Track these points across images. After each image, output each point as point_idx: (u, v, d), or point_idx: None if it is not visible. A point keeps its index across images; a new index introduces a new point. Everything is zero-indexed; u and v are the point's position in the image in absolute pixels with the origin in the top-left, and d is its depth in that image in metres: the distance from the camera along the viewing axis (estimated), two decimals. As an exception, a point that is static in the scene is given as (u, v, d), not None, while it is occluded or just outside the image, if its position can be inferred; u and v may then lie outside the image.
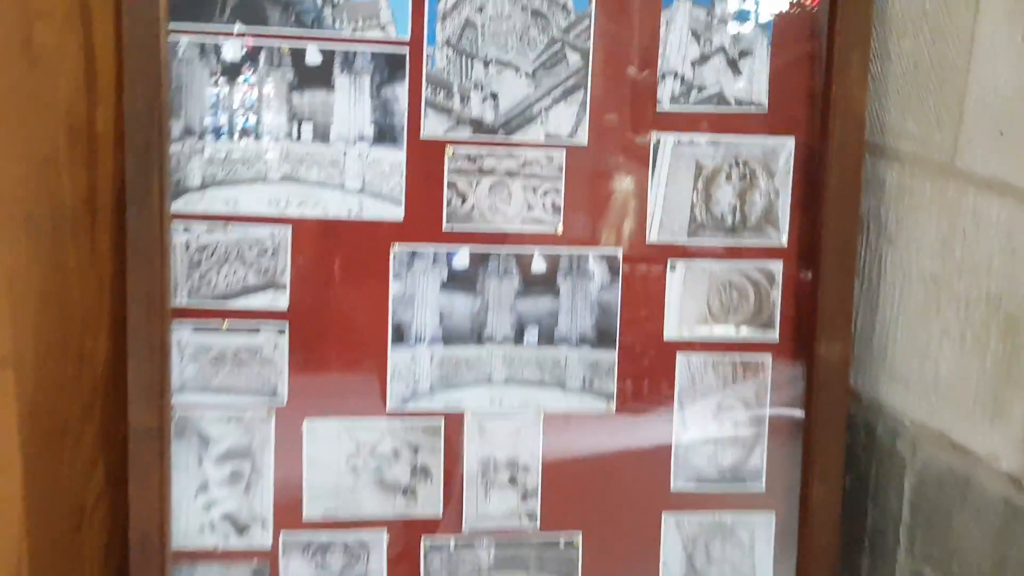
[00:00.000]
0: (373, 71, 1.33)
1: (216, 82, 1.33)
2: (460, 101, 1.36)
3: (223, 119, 1.34)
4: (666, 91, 1.39)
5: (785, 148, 1.39)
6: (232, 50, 1.34)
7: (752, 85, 1.39)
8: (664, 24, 1.37)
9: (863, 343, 1.43)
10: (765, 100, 1.38)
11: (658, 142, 1.39)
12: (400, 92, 1.33)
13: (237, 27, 1.33)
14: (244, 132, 1.34)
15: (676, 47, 1.38)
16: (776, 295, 1.43)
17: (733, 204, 1.39)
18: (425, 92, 1.33)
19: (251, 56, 1.34)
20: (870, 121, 1.39)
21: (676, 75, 1.38)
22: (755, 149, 1.38)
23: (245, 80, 1.34)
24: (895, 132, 1.38)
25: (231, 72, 1.34)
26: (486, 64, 1.36)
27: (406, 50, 1.32)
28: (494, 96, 1.37)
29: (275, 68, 1.34)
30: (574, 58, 1.37)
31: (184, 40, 1.32)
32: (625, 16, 1.37)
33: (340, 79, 1.34)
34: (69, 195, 1.33)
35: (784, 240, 1.40)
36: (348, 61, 1.34)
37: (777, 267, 1.40)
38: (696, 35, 1.38)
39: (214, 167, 1.33)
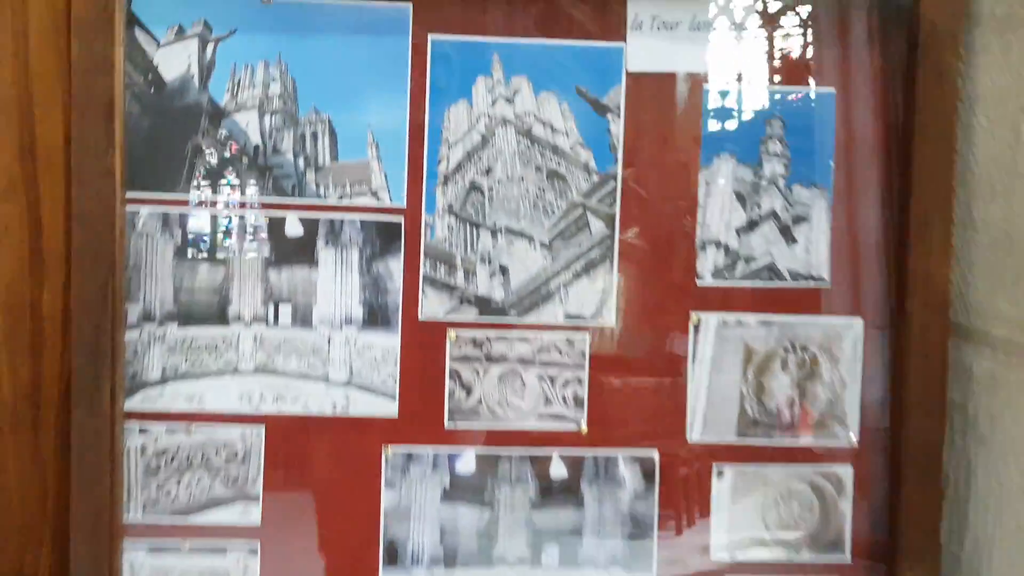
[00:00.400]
0: (363, 243, 1.17)
1: (180, 259, 1.17)
2: (464, 277, 1.18)
3: (187, 302, 1.17)
4: (707, 263, 1.20)
5: (851, 330, 1.20)
6: (199, 221, 1.17)
7: (810, 256, 1.20)
8: (703, 185, 1.19)
9: (951, 563, 1.20)
10: (826, 273, 1.20)
11: (699, 323, 1.19)
12: (394, 267, 1.17)
13: (206, 195, 1.16)
14: (212, 316, 1.17)
15: (718, 212, 1.19)
16: (845, 507, 1.21)
17: (791, 396, 1.21)
18: (423, 267, 1.17)
19: (222, 228, 1.16)
20: (953, 300, 1.18)
21: (719, 244, 1.19)
22: (815, 331, 1.20)
23: (214, 256, 1.17)
24: (984, 313, 1.17)
25: (198, 247, 1.17)
26: (494, 234, 1.18)
27: (401, 219, 1.17)
28: (504, 270, 1.18)
29: (249, 241, 1.17)
30: (598, 226, 1.19)
31: (144, 211, 1.16)
32: (657, 176, 1.19)
33: (324, 253, 1.17)
34: (8, 388, 1.17)
35: (854, 439, 1.21)
36: (334, 232, 1.17)
37: (846, 472, 1.21)
38: (741, 198, 1.19)
39: (176, 357, 1.16)
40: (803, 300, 1.20)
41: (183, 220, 1.16)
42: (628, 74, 1.17)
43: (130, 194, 1.14)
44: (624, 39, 1.17)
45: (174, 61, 1.15)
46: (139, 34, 1.14)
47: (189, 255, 1.17)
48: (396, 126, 1.16)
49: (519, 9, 1.17)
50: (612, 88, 1.17)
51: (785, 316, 1.20)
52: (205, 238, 1.17)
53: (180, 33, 1.15)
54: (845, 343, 1.20)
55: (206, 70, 1.15)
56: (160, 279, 1.17)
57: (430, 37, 1.16)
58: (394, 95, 1.16)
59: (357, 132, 1.16)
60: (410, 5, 1.15)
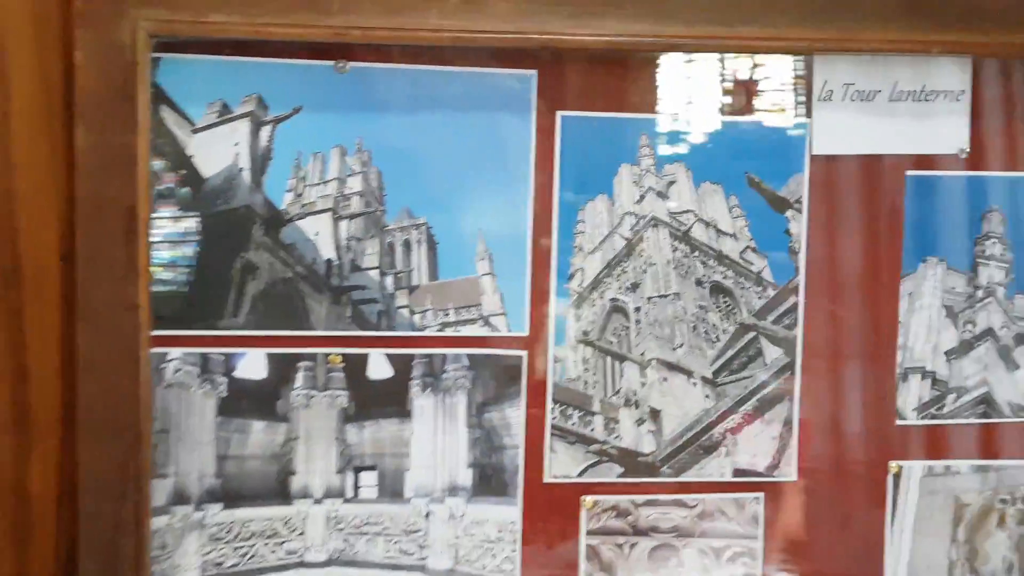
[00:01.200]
0: (472, 386, 0.96)
1: (226, 416, 0.93)
2: (604, 425, 0.98)
3: (236, 474, 0.94)
4: (910, 396, 1.02)
5: None
6: (251, 365, 0.93)
7: None
8: (906, 298, 1.01)
9: None
10: None
11: (899, 472, 1.02)
12: (513, 416, 0.97)
13: (260, 329, 0.92)
14: (269, 492, 0.95)
15: (924, 331, 1.02)
16: None
17: (1010, 560, 1.04)
18: (551, 414, 0.97)
19: (282, 372, 0.92)
20: None
21: (924, 373, 1.02)
22: None
23: (272, 410, 0.94)
24: None
25: (249, 398, 0.93)
26: (643, 368, 0.98)
27: (523, 352, 0.97)
28: (655, 415, 0.99)
29: (319, 390, 0.94)
30: (774, 353, 1.00)
31: (176, 354, 0.92)
32: (847, 288, 1.01)
33: (421, 401, 0.96)
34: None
35: (1087, 610, 1.03)
36: (433, 373, 0.96)
37: (1079, 652, 1.03)
38: (952, 314, 1.02)
39: (221, 550, 0.94)
40: (1025, 439, 1.04)
41: (229, 364, 0.93)
42: (813, 159, 0.97)
43: (157, 332, 0.90)
44: (809, 114, 0.96)
45: (216, 150, 0.91)
46: (167, 114, 0.89)
47: (238, 411, 0.93)
48: (515, 231, 0.95)
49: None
50: (793, 177, 0.99)
51: (1004, 461, 1.04)
52: (260, 387, 0.93)
53: (224, 112, 0.91)
54: (1076, 491, 1.03)
55: (260, 161, 0.92)
56: (198, 445, 0.93)
57: (559, 115, 0.94)
58: (513, 191, 0.95)
59: (464, 240, 0.95)
60: (534, 73, 0.93)
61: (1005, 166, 0.99)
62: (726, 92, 0.96)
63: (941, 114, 0.97)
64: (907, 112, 0.97)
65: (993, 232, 0.99)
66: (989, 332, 1.01)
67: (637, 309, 0.97)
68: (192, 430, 0.92)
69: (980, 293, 1.00)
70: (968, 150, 0.97)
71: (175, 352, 0.91)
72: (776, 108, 0.96)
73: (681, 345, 0.97)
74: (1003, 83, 0.98)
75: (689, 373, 0.98)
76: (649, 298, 0.97)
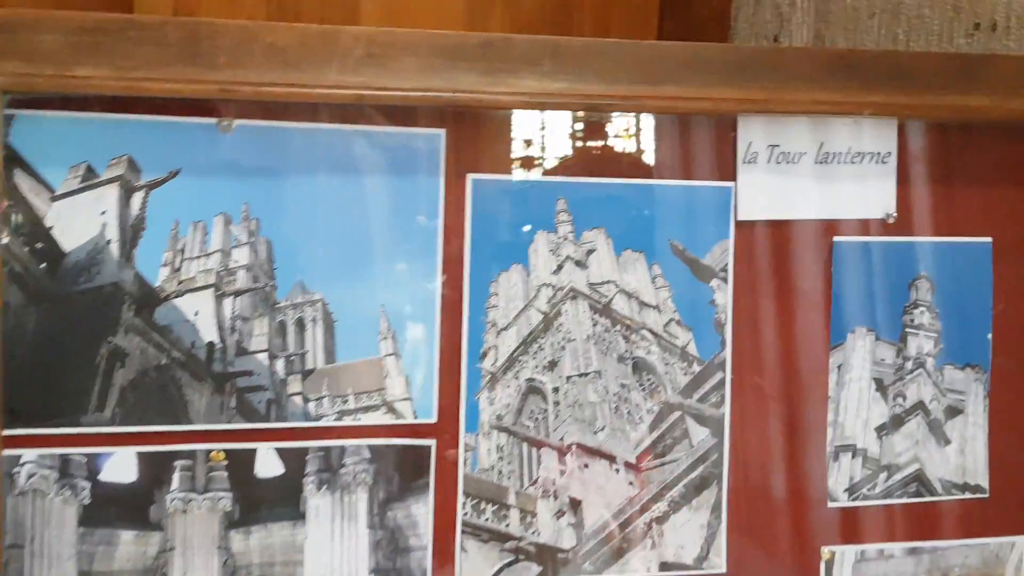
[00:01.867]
0: (373, 482, 0.88)
1: (89, 527, 0.83)
2: (520, 519, 0.92)
3: None
4: (841, 477, 0.99)
5: (1015, 552, 1.03)
6: (119, 466, 0.83)
7: (965, 460, 1.01)
8: (835, 371, 0.97)
9: None
10: (985, 482, 1.02)
11: (832, 559, 0.98)
12: (419, 513, 0.90)
13: (129, 425, 0.82)
14: None
15: (854, 407, 0.99)
16: None
17: None
18: (462, 509, 0.90)
19: (156, 474, 0.83)
20: None
21: (855, 451, 0.99)
22: (972, 558, 1.02)
23: (144, 518, 0.84)
24: None
25: (117, 505, 0.84)
26: (562, 454, 0.92)
27: (431, 442, 0.90)
28: (575, 506, 0.93)
29: (198, 492, 0.85)
30: (700, 435, 0.95)
31: (30, 456, 0.81)
32: (776, 362, 0.97)
33: (316, 500, 0.88)
34: None
35: None
36: (331, 468, 0.88)
37: None
38: (882, 387, 0.99)
39: None
40: (958, 517, 1.02)
41: (94, 466, 0.83)
42: (738, 224, 0.94)
43: (9, 431, 0.80)
44: (733, 177, 0.93)
45: (80, 220, 0.81)
46: (22, 180, 0.79)
47: (103, 520, 0.83)
48: (422, 307, 0.88)
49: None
50: (717, 243, 0.94)
51: (936, 541, 1.01)
52: (129, 492, 0.83)
53: (89, 177, 0.81)
54: (1007, 569, 1.02)
55: (131, 232, 0.83)
56: (57, 561, 0.82)
57: (470, 177, 0.88)
58: (419, 262, 0.88)
59: (365, 317, 0.87)
60: (442, 132, 0.86)
61: (931, 232, 0.99)
62: (646, 154, 0.93)
63: (867, 177, 0.95)
64: (833, 175, 0.94)
65: (921, 300, 0.98)
66: (919, 406, 0.99)
67: (555, 390, 0.91)
68: (50, 544, 0.81)
69: (909, 364, 0.98)
70: (895, 214, 0.97)
71: (29, 454, 0.80)
72: (699, 171, 0.93)
73: (603, 428, 0.92)
74: (928, 146, 0.98)
75: (611, 459, 0.93)
76: (568, 377, 0.91)
